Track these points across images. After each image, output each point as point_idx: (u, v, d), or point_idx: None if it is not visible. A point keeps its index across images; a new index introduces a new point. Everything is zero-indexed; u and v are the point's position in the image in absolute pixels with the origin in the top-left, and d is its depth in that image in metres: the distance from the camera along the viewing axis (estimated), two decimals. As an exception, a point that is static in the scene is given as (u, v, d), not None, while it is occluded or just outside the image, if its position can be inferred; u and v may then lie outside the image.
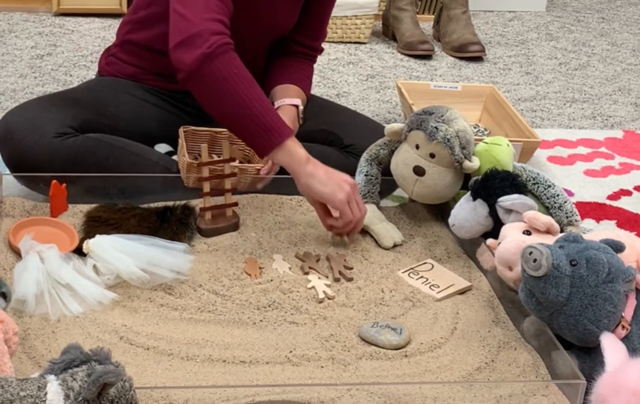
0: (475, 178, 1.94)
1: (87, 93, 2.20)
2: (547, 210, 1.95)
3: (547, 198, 1.96)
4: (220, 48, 1.82)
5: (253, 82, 1.86)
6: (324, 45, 2.40)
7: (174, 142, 2.21)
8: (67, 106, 2.10)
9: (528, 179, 1.98)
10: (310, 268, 1.89)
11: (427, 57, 3.55)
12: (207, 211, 1.97)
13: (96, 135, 2.07)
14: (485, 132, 2.73)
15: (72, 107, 2.10)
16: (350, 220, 1.90)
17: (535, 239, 1.70)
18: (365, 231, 2.03)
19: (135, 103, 2.20)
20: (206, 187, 1.98)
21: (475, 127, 2.74)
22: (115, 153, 2.06)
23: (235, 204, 2.02)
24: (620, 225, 2.33)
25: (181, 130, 2.13)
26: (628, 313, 1.58)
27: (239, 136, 1.94)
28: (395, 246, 2.00)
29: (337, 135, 2.23)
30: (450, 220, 1.94)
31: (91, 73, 2.97)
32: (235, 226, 1.99)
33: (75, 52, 3.23)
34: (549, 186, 1.97)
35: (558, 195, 1.96)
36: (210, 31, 1.82)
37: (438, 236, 2.05)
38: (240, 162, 2.09)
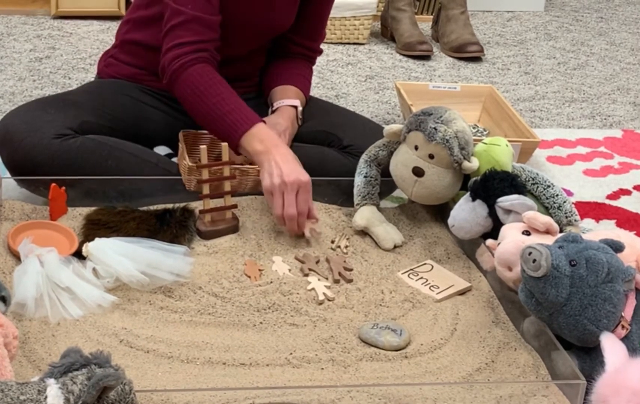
0: (474, 178, 1.94)
1: (86, 96, 2.20)
2: (546, 210, 1.95)
3: (547, 198, 1.96)
4: (174, 74, 2.01)
5: (209, 91, 1.99)
6: (323, 46, 2.41)
7: (173, 144, 2.21)
8: (66, 108, 2.10)
9: (527, 179, 1.98)
10: (310, 269, 1.89)
11: (426, 57, 3.55)
12: (206, 214, 1.97)
13: (96, 136, 2.08)
14: (484, 133, 2.73)
15: (72, 108, 2.10)
16: (278, 214, 1.92)
17: (534, 239, 1.70)
18: (365, 233, 2.03)
19: (134, 105, 2.20)
20: (206, 189, 1.98)
21: (474, 128, 2.74)
22: (115, 155, 2.07)
23: (235, 206, 2.02)
24: (619, 224, 2.33)
25: (181, 134, 2.13)
26: (628, 312, 1.58)
27: (216, 137, 2.08)
28: (395, 247, 2.00)
29: (336, 135, 2.23)
30: (450, 221, 1.94)
31: (90, 76, 2.97)
32: (234, 229, 1.99)
33: (73, 55, 3.23)
34: (548, 186, 1.97)
35: (557, 195, 1.96)
36: (168, 61, 2.02)
37: (438, 237, 2.05)
38: (241, 164, 2.09)
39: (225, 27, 2.11)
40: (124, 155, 2.08)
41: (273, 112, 2.22)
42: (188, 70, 2.00)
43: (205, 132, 2.15)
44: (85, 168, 2.03)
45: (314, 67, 2.40)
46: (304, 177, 1.91)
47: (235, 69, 2.26)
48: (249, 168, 2.08)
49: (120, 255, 1.76)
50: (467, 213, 1.91)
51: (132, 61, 2.24)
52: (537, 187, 1.97)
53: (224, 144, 2.02)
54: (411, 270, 1.93)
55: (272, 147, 1.94)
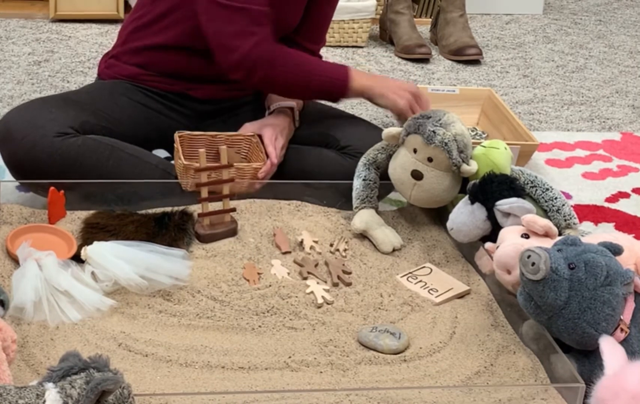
0: (473, 181, 1.94)
1: (87, 96, 2.20)
2: (545, 213, 1.95)
3: (545, 201, 1.96)
4: (259, 60, 2.08)
5: (298, 61, 2.14)
6: (322, 49, 2.41)
7: (171, 148, 2.21)
8: (67, 107, 2.10)
9: (526, 182, 1.98)
10: (308, 273, 1.89)
11: (425, 60, 3.55)
12: (205, 217, 1.97)
13: (97, 136, 2.08)
14: (483, 136, 2.73)
15: (73, 108, 2.10)
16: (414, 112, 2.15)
17: (533, 242, 1.70)
18: (363, 236, 2.03)
19: (134, 107, 2.20)
20: (204, 192, 1.97)
21: (472, 131, 2.74)
22: (116, 155, 2.07)
23: (234, 209, 2.01)
24: (618, 227, 2.33)
25: (176, 135, 2.13)
26: (627, 316, 1.58)
27: (313, 98, 2.26)
28: (394, 250, 2.00)
29: (333, 137, 2.23)
30: (449, 224, 1.93)
31: (89, 79, 2.97)
32: (233, 232, 1.99)
33: (72, 58, 3.23)
34: (547, 189, 1.97)
35: (556, 198, 1.96)
36: (250, 52, 2.08)
37: (436, 240, 2.05)
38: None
39: None
40: (124, 155, 2.08)
41: (270, 113, 2.22)
42: (271, 54, 2.09)
43: (201, 134, 2.16)
44: (86, 168, 2.03)
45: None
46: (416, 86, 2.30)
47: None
48: (245, 166, 2.08)
49: (119, 258, 1.76)
50: (465, 216, 1.90)
51: (136, 60, 2.23)
52: (536, 189, 1.97)
53: (223, 148, 2.02)
54: (410, 273, 1.93)
55: (374, 77, 2.28)
